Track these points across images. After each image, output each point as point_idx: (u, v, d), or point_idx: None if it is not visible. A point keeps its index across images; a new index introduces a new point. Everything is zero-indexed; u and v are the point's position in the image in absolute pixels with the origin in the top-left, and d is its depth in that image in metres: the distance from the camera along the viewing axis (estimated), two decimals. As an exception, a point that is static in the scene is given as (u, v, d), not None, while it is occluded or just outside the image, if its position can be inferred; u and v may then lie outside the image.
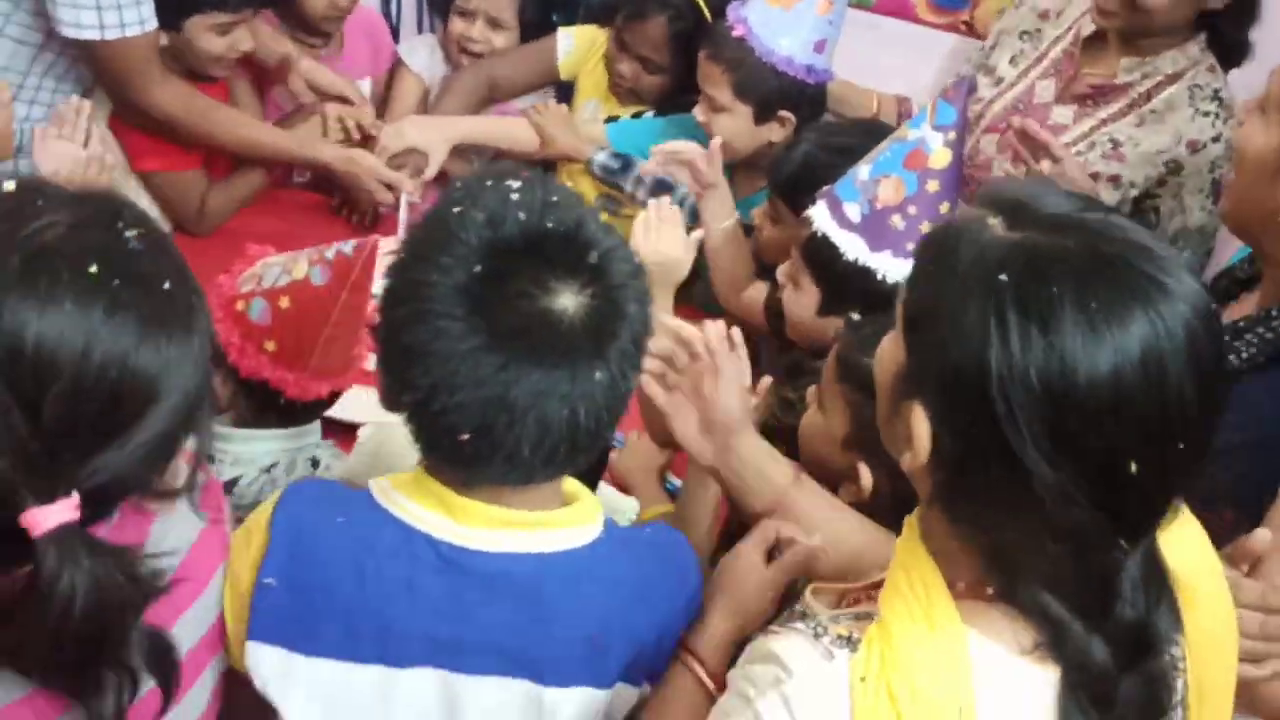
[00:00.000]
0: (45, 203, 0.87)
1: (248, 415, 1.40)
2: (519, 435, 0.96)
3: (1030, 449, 0.78)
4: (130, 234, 0.88)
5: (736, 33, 2.02)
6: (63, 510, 0.83)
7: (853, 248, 1.52)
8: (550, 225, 0.98)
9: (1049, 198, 0.88)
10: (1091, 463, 0.79)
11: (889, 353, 0.90)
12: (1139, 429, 0.79)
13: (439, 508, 1.02)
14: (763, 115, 2.07)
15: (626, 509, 1.55)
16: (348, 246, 1.34)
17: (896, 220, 1.51)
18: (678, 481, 1.74)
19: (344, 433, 1.63)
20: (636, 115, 2.37)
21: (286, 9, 2.32)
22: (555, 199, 1.01)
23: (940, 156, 1.50)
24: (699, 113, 2.12)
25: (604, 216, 1.69)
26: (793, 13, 2.00)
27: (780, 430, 1.42)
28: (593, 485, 1.35)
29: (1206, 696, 0.91)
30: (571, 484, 1.09)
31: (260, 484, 1.36)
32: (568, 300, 0.97)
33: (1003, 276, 0.81)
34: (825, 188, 1.58)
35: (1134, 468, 0.78)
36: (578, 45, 2.47)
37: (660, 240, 1.76)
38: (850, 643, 0.85)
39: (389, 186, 2.22)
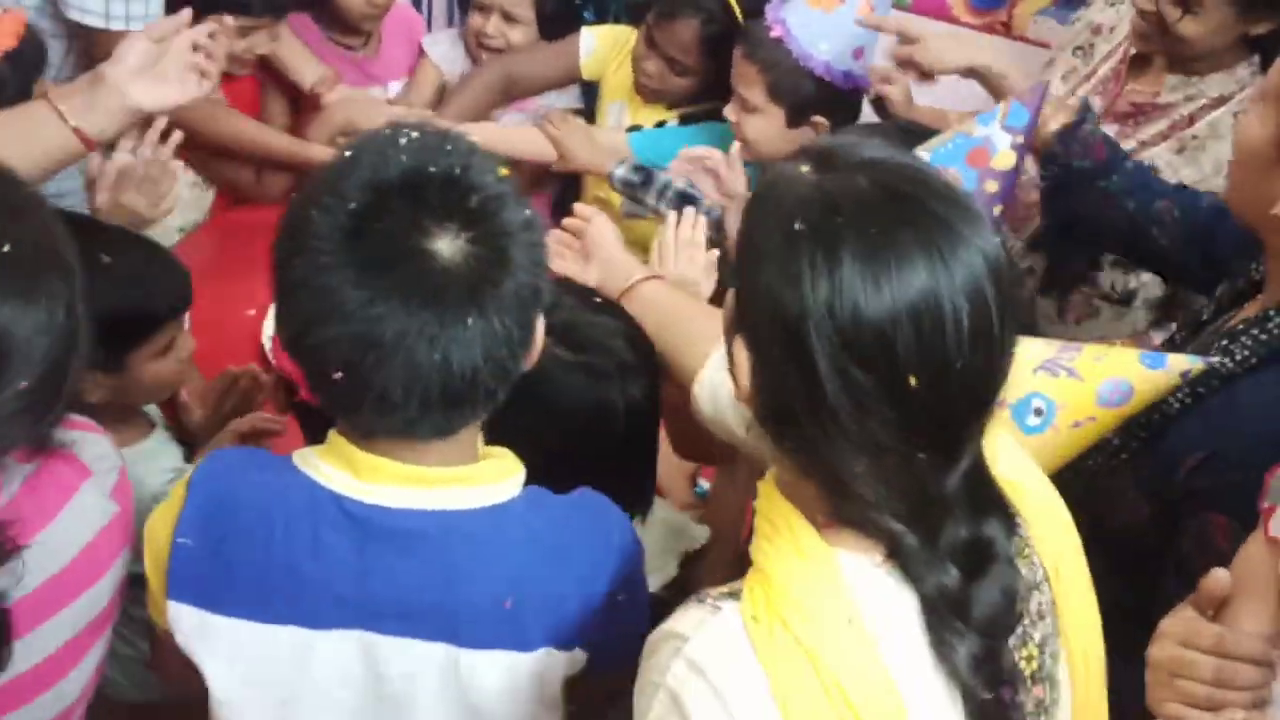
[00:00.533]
0: None
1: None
2: (388, 377, 0.95)
3: (824, 373, 0.84)
4: None
5: (774, 34, 1.96)
6: None
7: None
8: (432, 169, 0.97)
9: (861, 146, 0.93)
10: (878, 383, 0.84)
11: (730, 296, 0.97)
12: (917, 356, 0.84)
13: (344, 465, 1.03)
14: (796, 119, 2.01)
15: (699, 536, 1.49)
16: None
17: None
18: (707, 484, 1.74)
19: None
20: (660, 124, 2.31)
21: (323, 10, 2.29)
22: (447, 147, 1.00)
23: (1004, 158, 1.46)
24: (730, 112, 2.07)
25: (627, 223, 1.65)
26: (833, 16, 1.94)
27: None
28: (646, 493, 1.35)
29: (1062, 571, 0.98)
30: (491, 449, 1.08)
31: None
32: (443, 244, 0.95)
33: (797, 216, 0.87)
34: None
35: (914, 383, 0.84)
36: (601, 46, 2.41)
37: (679, 262, 1.69)
38: (733, 595, 0.90)
39: None
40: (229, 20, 1.65)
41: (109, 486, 1.09)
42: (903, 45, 1.84)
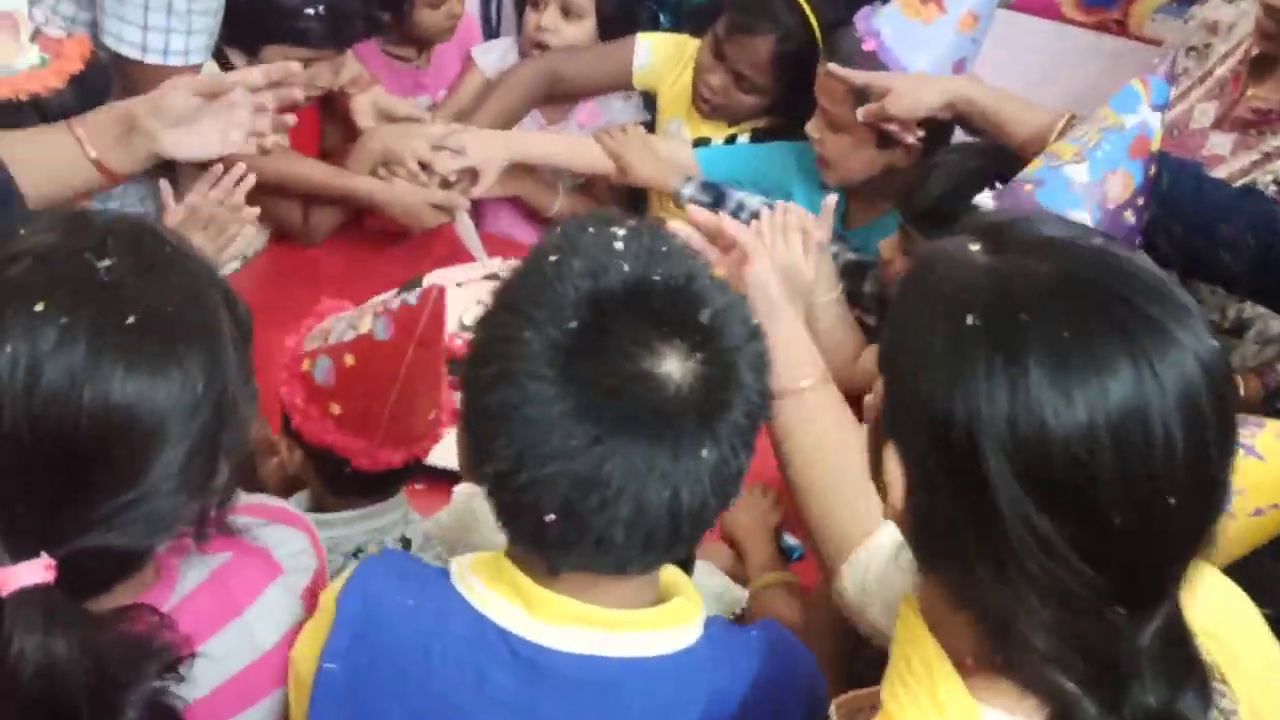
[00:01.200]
0: (27, 232, 0.85)
1: (323, 494, 1.28)
2: (611, 518, 0.85)
3: (1003, 500, 0.72)
4: (102, 264, 0.83)
5: (867, 46, 1.82)
6: (30, 572, 0.79)
7: None
8: (657, 278, 0.88)
9: (1040, 223, 0.81)
10: (1070, 518, 0.72)
11: (876, 392, 0.86)
12: (1121, 487, 0.71)
13: (516, 598, 0.92)
14: (887, 138, 1.86)
15: (739, 599, 1.40)
16: (412, 296, 1.21)
17: (1129, 216, 1.38)
18: (794, 540, 1.61)
19: (441, 481, 1.51)
20: (730, 139, 2.18)
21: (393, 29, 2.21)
22: (664, 249, 0.90)
23: (1160, 141, 1.37)
24: (812, 129, 1.93)
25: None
26: (933, 28, 1.80)
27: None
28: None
29: None
30: (670, 573, 0.98)
31: (349, 569, 1.21)
32: (674, 365, 0.85)
33: (969, 309, 0.75)
34: (997, 190, 1.41)
35: (1118, 522, 0.71)
36: (657, 57, 2.28)
37: (777, 248, 1.54)
38: None
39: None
40: (295, 66, 1.56)
41: (300, 587, 1.04)
42: (871, 103, 1.76)
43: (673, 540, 0.88)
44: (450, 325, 1.77)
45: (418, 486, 1.44)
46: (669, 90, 2.28)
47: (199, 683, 0.90)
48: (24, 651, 0.78)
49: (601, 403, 0.83)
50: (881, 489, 0.82)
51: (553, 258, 0.88)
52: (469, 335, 1.70)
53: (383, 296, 1.24)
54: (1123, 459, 0.71)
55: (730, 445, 0.87)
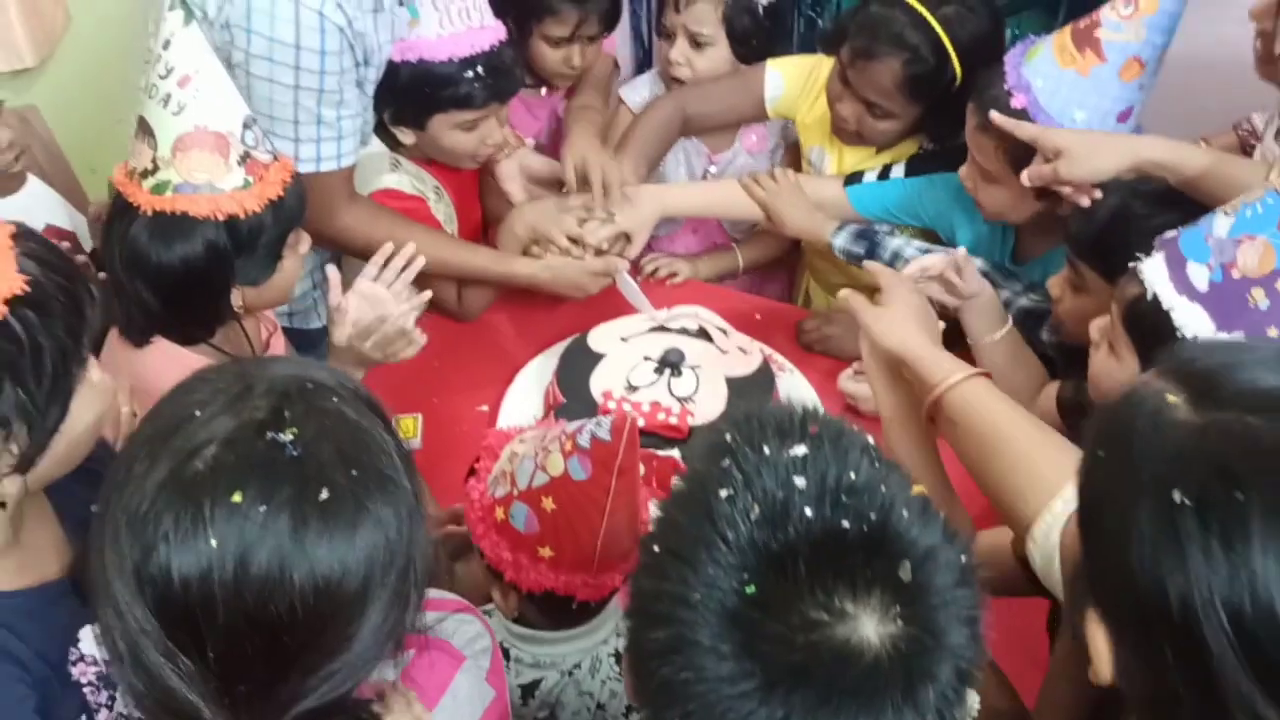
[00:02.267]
0: (202, 414, 0.87)
1: (539, 621, 1.29)
2: None
3: (1227, 688, 0.67)
4: (286, 438, 0.85)
5: (1016, 104, 1.71)
6: None
7: (1194, 322, 1.21)
8: (847, 524, 0.76)
9: (1249, 367, 0.73)
10: None
11: (1070, 537, 0.79)
12: None
13: None
14: (1043, 191, 1.74)
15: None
16: (602, 430, 1.20)
17: (1258, 295, 1.18)
18: None
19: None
20: (884, 172, 2.11)
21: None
22: (853, 479, 0.78)
23: None
24: (965, 177, 1.87)
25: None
26: (1090, 79, 1.66)
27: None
28: None
29: None
30: None
31: (563, 686, 1.25)
32: (869, 628, 0.74)
33: (1177, 480, 0.69)
34: (1168, 234, 1.27)
35: None
36: (789, 86, 2.23)
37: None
38: None
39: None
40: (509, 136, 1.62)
41: (484, 670, 1.07)
42: (1042, 164, 1.61)
43: None
44: (617, 388, 1.81)
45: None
46: (806, 118, 2.25)
47: None
48: None
49: (786, 680, 0.73)
50: (1083, 652, 0.78)
51: (724, 493, 0.78)
52: (635, 400, 1.76)
53: (563, 428, 1.23)
54: None
55: (939, 713, 0.76)
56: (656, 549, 0.81)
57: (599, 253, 2.05)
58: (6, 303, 0.98)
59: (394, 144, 2.07)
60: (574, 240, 2.04)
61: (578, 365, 1.87)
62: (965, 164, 1.86)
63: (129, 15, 2.77)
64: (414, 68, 1.89)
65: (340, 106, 1.76)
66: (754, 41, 2.25)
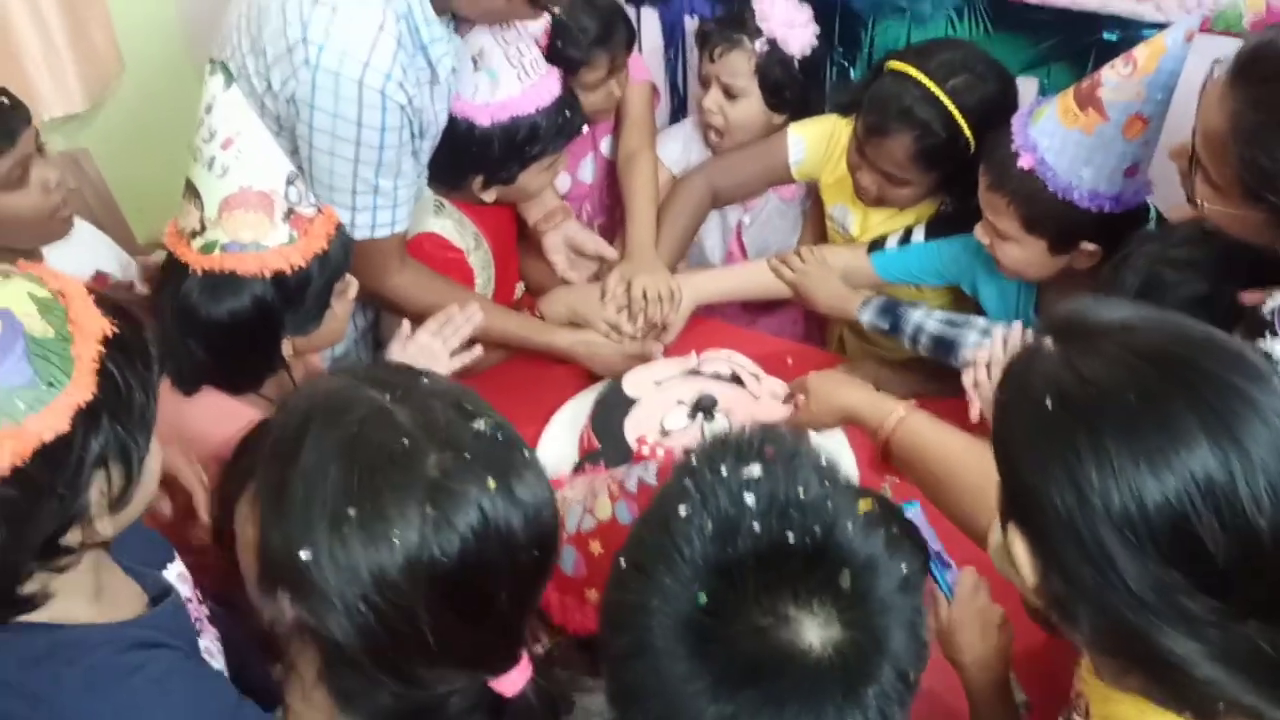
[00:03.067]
0: (412, 441, 0.90)
1: (583, 665, 1.29)
2: None
3: (1121, 567, 0.78)
4: (479, 424, 0.94)
5: (1024, 163, 1.75)
6: (522, 673, 0.95)
7: None
8: (792, 538, 0.82)
9: (1104, 309, 0.86)
10: (1185, 564, 0.78)
11: (993, 472, 0.90)
12: (1225, 539, 0.77)
13: None
14: (1060, 247, 1.83)
15: None
16: (649, 474, 1.23)
17: None
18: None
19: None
20: (905, 240, 2.15)
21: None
22: (801, 495, 0.84)
23: None
24: (981, 235, 1.90)
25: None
26: (1095, 137, 1.70)
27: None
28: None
29: None
30: None
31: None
32: (813, 634, 0.81)
33: (1047, 399, 0.81)
34: None
35: (1223, 561, 0.77)
36: (812, 148, 2.29)
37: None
38: None
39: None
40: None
41: None
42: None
43: None
44: (651, 433, 1.84)
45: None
46: (829, 179, 2.29)
47: None
48: None
49: (737, 682, 0.80)
50: (1016, 566, 0.88)
51: (682, 511, 0.85)
52: (669, 445, 1.78)
53: (611, 474, 1.26)
54: (1218, 512, 0.77)
55: (880, 712, 0.82)
56: (623, 562, 0.89)
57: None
58: (100, 343, 1.02)
59: (438, 188, 2.12)
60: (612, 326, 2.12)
61: (612, 409, 1.90)
62: (979, 224, 1.90)
63: (180, 58, 2.86)
64: (507, 128, 1.98)
65: (398, 177, 1.83)
66: (787, 93, 2.29)
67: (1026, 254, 1.84)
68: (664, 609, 0.83)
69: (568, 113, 2.04)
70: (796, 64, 2.27)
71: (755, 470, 0.85)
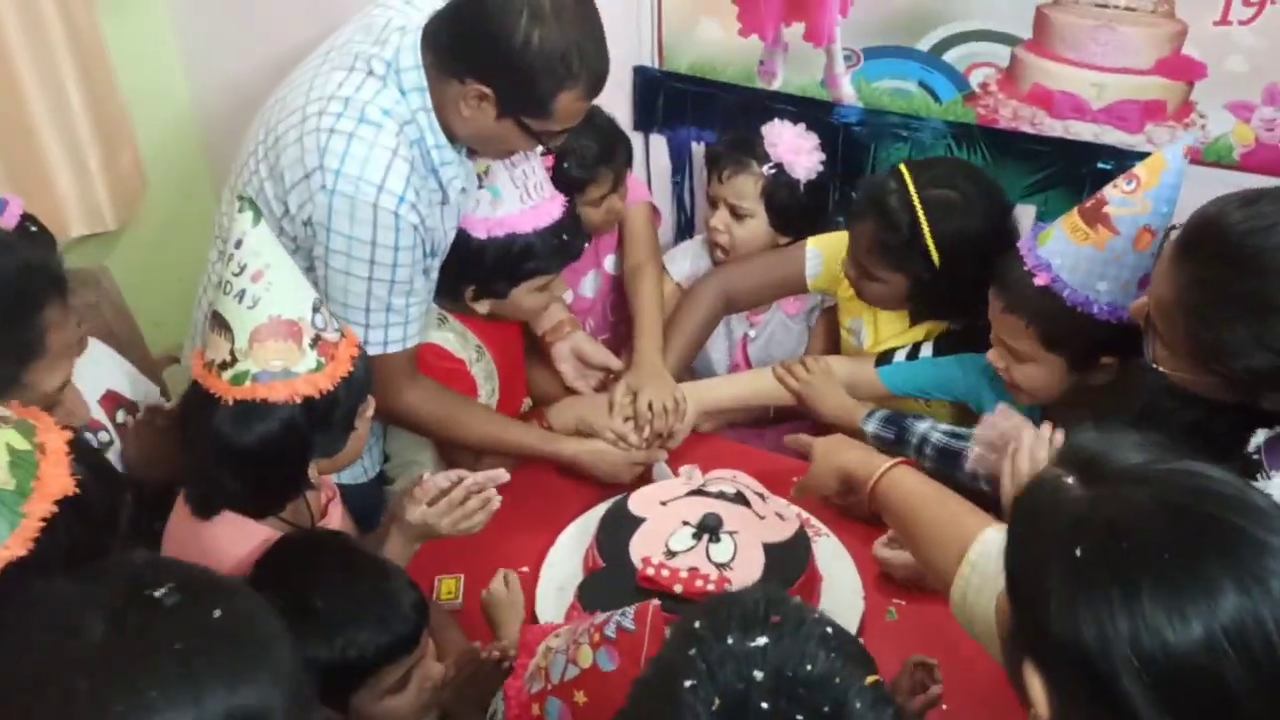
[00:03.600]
0: (76, 606, 0.87)
1: None
2: None
3: (1142, 713, 0.78)
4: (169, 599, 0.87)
5: (1039, 281, 1.78)
6: None
7: None
8: (801, 718, 0.80)
9: (1120, 449, 0.88)
10: (1209, 715, 0.78)
11: (1002, 605, 0.91)
12: (1250, 687, 0.77)
13: None
14: (1080, 362, 1.84)
15: None
16: (627, 620, 1.23)
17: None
18: None
19: None
20: (914, 351, 2.19)
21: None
22: (809, 671, 0.82)
23: None
24: (995, 360, 1.92)
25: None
26: (1107, 252, 1.73)
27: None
28: None
29: None
30: None
31: None
32: None
33: (1076, 543, 0.82)
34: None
35: (1250, 710, 0.77)
36: (828, 262, 2.33)
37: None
38: None
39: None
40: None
41: None
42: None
43: None
44: (655, 553, 1.84)
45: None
46: (845, 292, 2.32)
47: None
48: None
49: None
50: (1024, 699, 0.88)
51: (688, 682, 0.82)
52: (674, 565, 1.79)
53: (592, 620, 1.26)
54: (1245, 658, 0.77)
55: None
56: None
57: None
58: (57, 502, 1.07)
59: (442, 301, 2.17)
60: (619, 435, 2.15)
61: (618, 529, 1.90)
62: (992, 349, 1.92)
63: (201, 177, 2.94)
64: (502, 244, 2.03)
65: (410, 295, 1.88)
66: (792, 214, 2.36)
67: (1045, 373, 1.86)
68: None
69: (565, 236, 2.08)
70: (802, 187, 2.34)
71: (762, 640, 0.83)
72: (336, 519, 1.81)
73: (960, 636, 1.76)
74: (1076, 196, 2.21)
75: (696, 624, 0.87)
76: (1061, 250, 1.77)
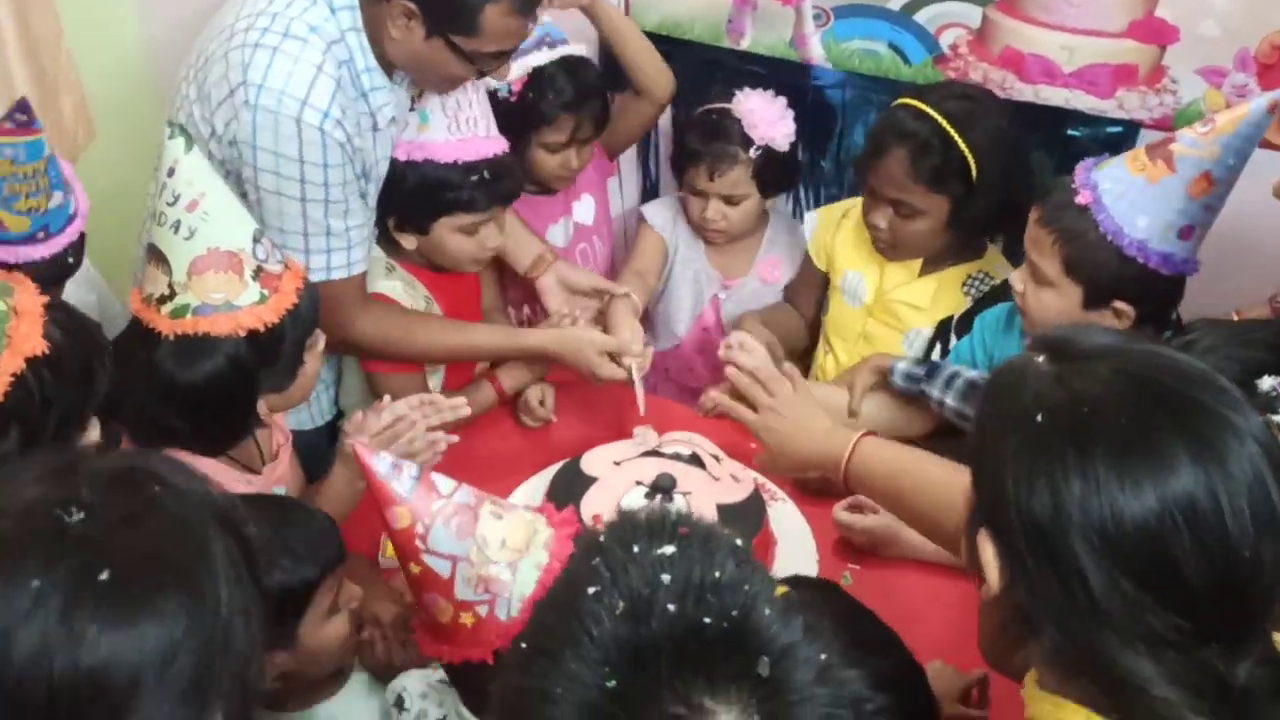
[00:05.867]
0: (9, 487, 0.87)
1: None
2: None
3: (1091, 578, 0.80)
4: (75, 519, 0.84)
5: (1081, 199, 1.71)
6: None
7: None
8: (708, 620, 0.77)
9: (1088, 334, 0.91)
10: (1154, 581, 0.80)
11: (963, 484, 0.94)
12: (1197, 555, 0.79)
13: None
14: (1093, 301, 1.76)
15: None
16: None
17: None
18: None
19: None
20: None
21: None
22: (717, 577, 0.79)
23: None
24: (1016, 279, 1.87)
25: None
26: (1159, 187, 1.66)
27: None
28: None
29: None
30: None
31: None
32: None
33: (1039, 412, 0.84)
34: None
35: (1197, 581, 0.79)
36: (822, 220, 2.36)
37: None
38: None
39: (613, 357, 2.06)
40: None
41: None
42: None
43: None
44: (607, 512, 1.79)
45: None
46: (842, 247, 2.31)
47: None
48: None
49: None
50: (976, 573, 0.91)
51: (591, 589, 0.79)
52: (628, 524, 1.76)
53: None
54: (1194, 531, 0.79)
55: None
56: (524, 646, 0.83)
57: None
58: (27, 360, 1.17)
59: (390, 249, 2.12)
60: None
61: (570, 488, 1.87)
62: (1019, 268, 1.87)
63: (154, 126, 2.85)
64: (420, 169, 1.97)
65: (347, 216, 1.83)
66: (779, 179, 2.40)
67: (1059, 303, 1.78)
68: (568, 696, 0.76)
69: (489, 177, 2.00)
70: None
71: (669, 549, 0.80)
72: (284, 464, 1.76)
73: (915, 602, 1.74)
74: (1059, 159, 2.18)
75: (601, 536, 0.84)
76: (1115, 176, 1.72)
